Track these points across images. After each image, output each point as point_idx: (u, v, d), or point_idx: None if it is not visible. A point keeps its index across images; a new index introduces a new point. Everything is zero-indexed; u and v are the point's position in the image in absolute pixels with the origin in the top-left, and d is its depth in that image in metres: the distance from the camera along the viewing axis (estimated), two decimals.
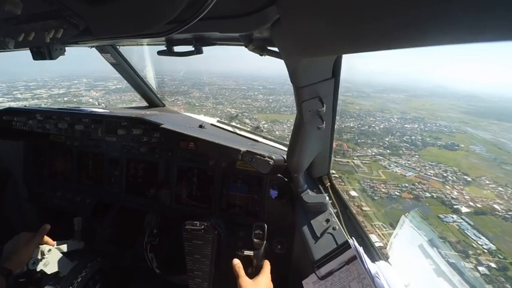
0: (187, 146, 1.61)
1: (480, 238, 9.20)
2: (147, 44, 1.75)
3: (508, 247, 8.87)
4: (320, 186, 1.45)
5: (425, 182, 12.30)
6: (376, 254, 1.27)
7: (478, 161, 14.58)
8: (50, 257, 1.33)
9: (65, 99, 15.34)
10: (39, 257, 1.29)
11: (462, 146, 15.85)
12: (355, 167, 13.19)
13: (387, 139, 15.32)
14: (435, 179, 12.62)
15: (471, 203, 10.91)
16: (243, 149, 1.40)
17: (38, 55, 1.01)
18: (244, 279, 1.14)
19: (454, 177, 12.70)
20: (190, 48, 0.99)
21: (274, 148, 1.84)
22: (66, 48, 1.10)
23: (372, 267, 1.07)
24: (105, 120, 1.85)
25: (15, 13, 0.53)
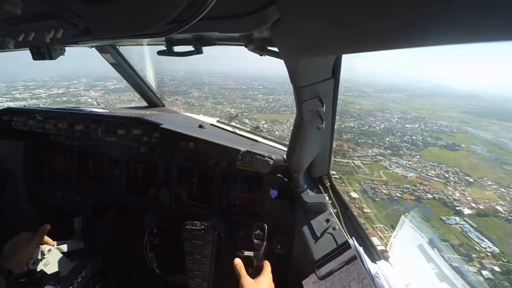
0: (187, 146, 1.61)
1: (483, 241, 9.09)
2: (147, 44, 1.75)
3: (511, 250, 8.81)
4: (320, 186, 1.45)
5: (426, 183, 12.19)
6: (376, 254, 1.27)
7: (479, 161, 14.52)
8: (50, 257, 1.34)
9: (64, 99, 15.31)
10: (39, 257, 1.29)
11: (463, 146, 15.79)
12: (355, 168, 13.14)
13: (388, 139, 15.28)
14: (437, 179, 12.54)
15: (473, 205, 10.79)
16: (242, 149, 1.40)
17: (37, 55, 1.01)
18: (246, 278, 1.13)
19: (456, 178, 12.60)
20: (190, 48, 0.99)
21: (274, 148, 1.84)
22: (66, 48, 1.10)
23: (372, 267, 1.07)
24: (105, 120, 1.85)
25: (15, 13, 0.53)
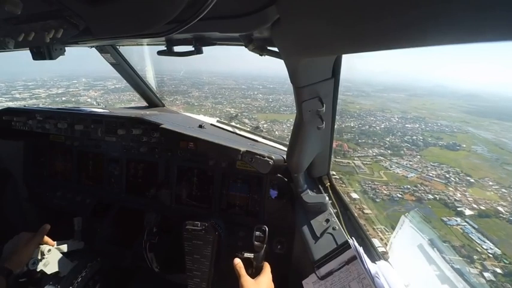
0: (187, 146, 1.61)
1: (485, 242, 9.01)
2: (147, 44, 1.75)
3: None
4: (320, 186, 1.45)
5: (427, 184, 12.11)
6: (376, 254, 1.27)
7: (480, 162, 14.47)
8: (50, 257, 1.34)
9: (63, 98, 15.29)
10: (39, 257, 1.29)
11: (464, 146, 15.74)
12: (355, 168, 13.11)
13: (388, 139, 15.24)
14: (437, 180, 12.46)
15: (474, 205, 10.71)
16: (242, 149, 1.40)
17: (37, 55, 1.01)
18: (246, 278, 1.13)
19: (457, 179, 12.53)
20: (190, 48, 0.99)
21: (274, 148, 1.84)
22: (66, 48, 1.10)
23: (372, 267, 1.07)
24: (104, 120, 1.85)
25: (15, 13, 0.53)
